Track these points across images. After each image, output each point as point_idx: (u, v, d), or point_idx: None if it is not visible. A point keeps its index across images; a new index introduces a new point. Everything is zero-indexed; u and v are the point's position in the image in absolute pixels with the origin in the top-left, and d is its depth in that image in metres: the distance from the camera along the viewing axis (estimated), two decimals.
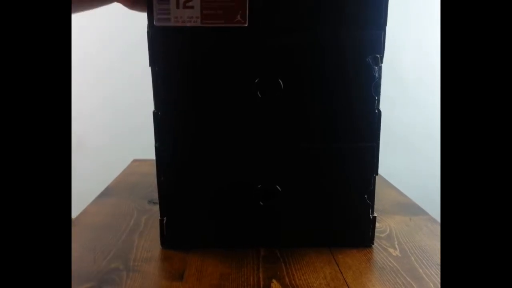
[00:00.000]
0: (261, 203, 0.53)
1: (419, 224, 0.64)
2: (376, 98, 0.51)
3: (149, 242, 0.56)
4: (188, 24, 0.47)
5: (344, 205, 0.54)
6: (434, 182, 0.94)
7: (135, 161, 1.03)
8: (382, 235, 0.60)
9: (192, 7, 0.47)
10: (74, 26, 0.96)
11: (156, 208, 0.67)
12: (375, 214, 0.55)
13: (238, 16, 0.47)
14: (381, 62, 0.50)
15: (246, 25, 0.48)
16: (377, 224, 0.63)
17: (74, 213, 0.70)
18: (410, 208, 0.71)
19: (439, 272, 0.49)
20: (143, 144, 0.95)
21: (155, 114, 0.51)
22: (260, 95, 0.50)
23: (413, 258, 0.53)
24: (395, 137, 1.04)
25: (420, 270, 0.50)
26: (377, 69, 0.50)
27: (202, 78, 0.50)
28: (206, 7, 0.47)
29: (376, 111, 0.51)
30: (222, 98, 0.50)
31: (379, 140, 0.52)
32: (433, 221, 0.65)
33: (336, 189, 0.53)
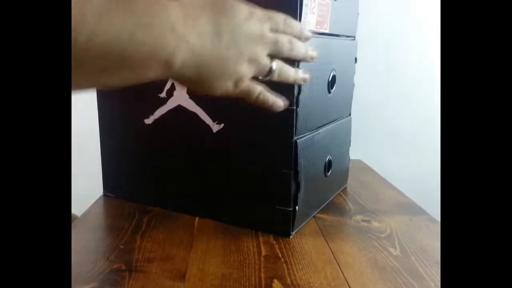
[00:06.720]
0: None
1: (419, 224, 0.64)
2: None
3: (151, 243, 0.57)
4: None
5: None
6: (434, 182, 0.94)
7: None
8: (383, 235, 0.60)
9: None
10: None
11: (158, 209, 0.68)
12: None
13: None
14: None
15: None
16: (377, 224, 0.63)
17: (75, 213, 0.71)
18: (410, 208, 0.71)
19: (440, 271, 0.49)
20: None
21: None
22: None
23: (413, 258, 0.53)
24: (395, 137, 1.04)
25: (421, 270, 0.50)
26: None
27: None
28: None
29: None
30: None
31: None
32: (433, 221, 0.65)
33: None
